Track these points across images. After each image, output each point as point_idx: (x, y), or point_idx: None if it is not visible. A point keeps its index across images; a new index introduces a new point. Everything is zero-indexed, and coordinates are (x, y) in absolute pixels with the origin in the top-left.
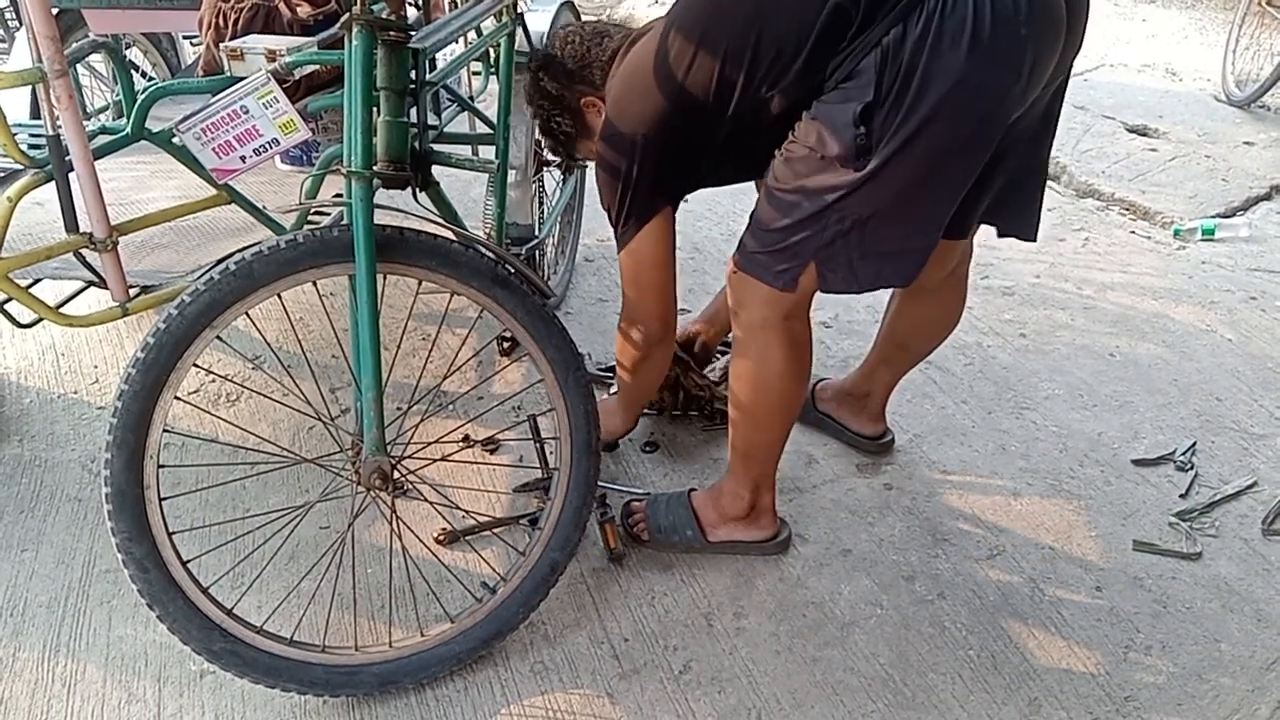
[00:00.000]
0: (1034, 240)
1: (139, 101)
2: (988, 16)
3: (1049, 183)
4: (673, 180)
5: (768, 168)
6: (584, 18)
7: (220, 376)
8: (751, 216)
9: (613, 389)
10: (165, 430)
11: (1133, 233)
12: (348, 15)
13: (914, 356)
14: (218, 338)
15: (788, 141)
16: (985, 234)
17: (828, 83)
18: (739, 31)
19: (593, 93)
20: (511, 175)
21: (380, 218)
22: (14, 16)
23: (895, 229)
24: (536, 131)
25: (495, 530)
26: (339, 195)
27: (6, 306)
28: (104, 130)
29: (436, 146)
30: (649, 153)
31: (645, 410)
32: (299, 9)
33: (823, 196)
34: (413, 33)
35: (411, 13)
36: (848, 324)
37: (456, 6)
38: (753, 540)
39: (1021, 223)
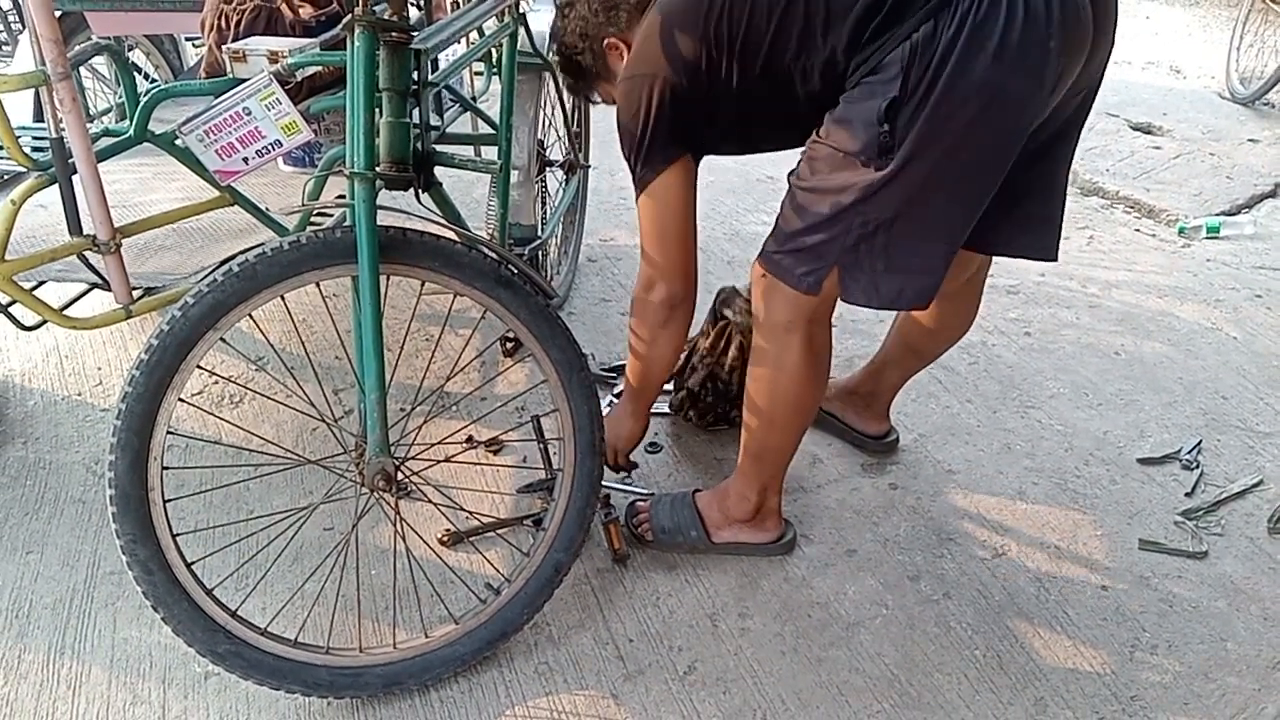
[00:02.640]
0: (1054, 260)
1: (142, 104)
2: (1018, 23)
3: None
4: (691, 129)
5: (786, 142)
6: None
7: (224, 378)
8: (776, 219)
9: (616, 390)
10: (169, 432)
11: (1137, 230)
12: (350, 16)
13: (924, 359)
14: (221, 339)
15: (812, 140)
16: None
17: (850, 77)
18: None
19: (617, 34)
20: (514, 176)
21: (383, 219)
22: (17, 19)
23: (918, 239)
24: (556, 66)
25: (499, 531)
26: (342, 196)
27: (10, 309)
28: (107, 133)
29: (439, 147)
30: (667, 97)
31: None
32: (301, 10)
33: (843, 196)
34: (415, 33)
35: (414, 13)
36: (851, 323)
37: (459, 7)
38: (758, 542)
39: (1041, 243)
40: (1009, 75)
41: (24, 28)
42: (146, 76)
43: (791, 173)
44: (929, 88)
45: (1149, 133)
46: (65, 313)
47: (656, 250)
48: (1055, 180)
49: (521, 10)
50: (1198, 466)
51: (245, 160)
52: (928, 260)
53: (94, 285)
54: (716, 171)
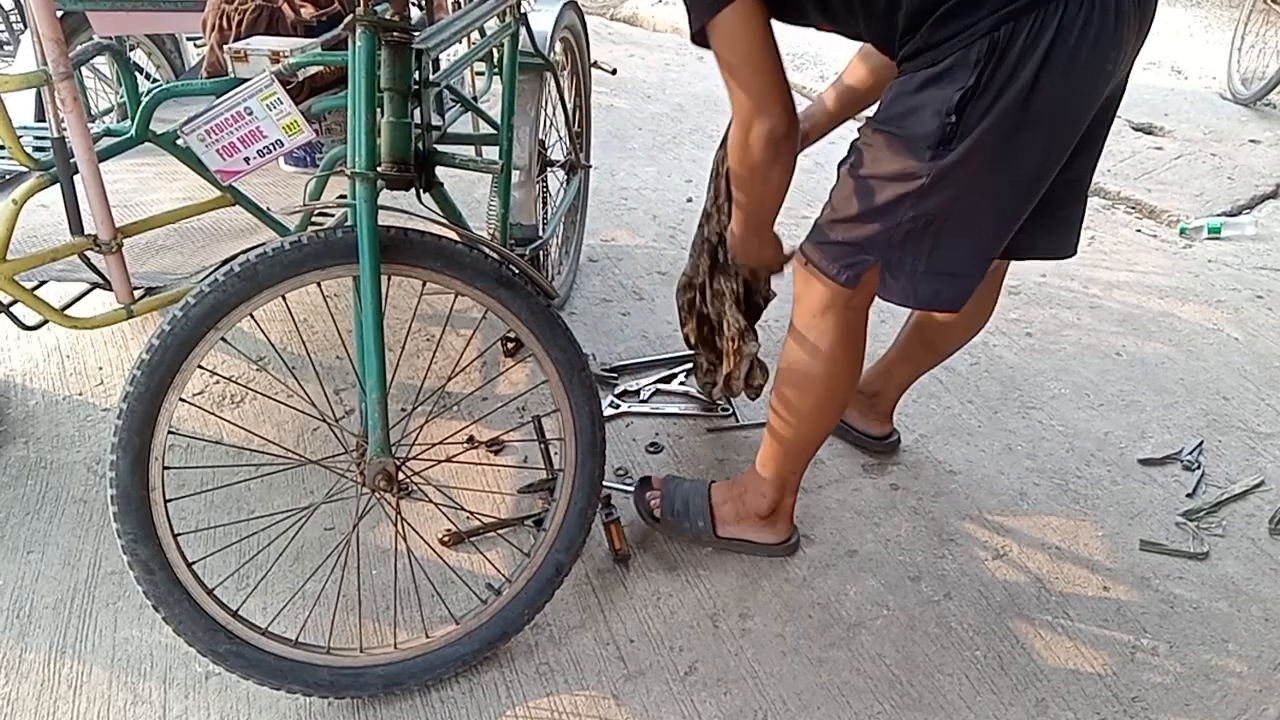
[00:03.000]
0: (1073, 255)
1: (143, 104)
2: (1092, 33)
3: None
4: None
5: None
6: (587, 17)
7: (225, 378)
8: (826, 205)
9: (617, 390)
10: (170, 432)
11: (1139, 231)
12: (351, 16)
13: (938, 355)
14: (222, 339)
15: (869, 128)
16: None
17: (909, 61)
18: None
19: None
20: (515, 176)
21: (384, 219)
22: (19, 19)
23: (963, 241)
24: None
25: (500, 531)
26: (343, 196)
27: (12, 309)
28: (109, 132)
29: (440, 147)
30: None
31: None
32: (302, 10)
33: (898, 185)
34: (416, 33)
35: (415, 13)
36: None
37: (460, 7)
38: (763, 542)
39: (1062, 243)
40: (1076, 82)
41: (25, 27)
42: (148, 76)
43: (843, 162)
44: (1002, 88)
45: (1150, 133)
46: (66, 312)
47: (747, 83)
48: (1083, 183)
49: (523, 10)
50: (1199, 467)
51: (246, 160)
52: (968, 263)
53: (95, 285)
54: None
